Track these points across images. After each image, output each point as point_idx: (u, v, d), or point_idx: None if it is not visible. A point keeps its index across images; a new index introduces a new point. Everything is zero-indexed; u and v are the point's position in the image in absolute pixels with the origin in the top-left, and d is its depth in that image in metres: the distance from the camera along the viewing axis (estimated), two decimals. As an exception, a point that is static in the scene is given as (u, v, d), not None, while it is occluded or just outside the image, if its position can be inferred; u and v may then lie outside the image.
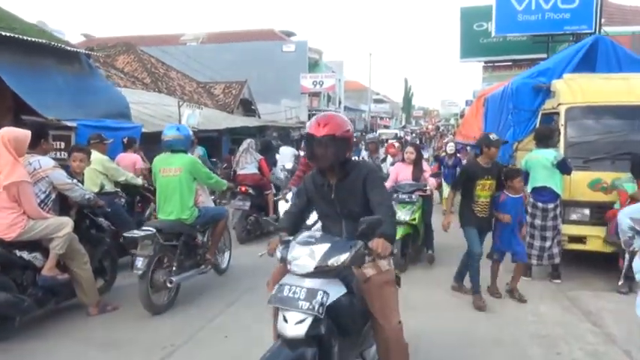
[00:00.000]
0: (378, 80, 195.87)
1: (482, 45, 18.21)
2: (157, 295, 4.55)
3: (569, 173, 5.32)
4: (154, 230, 4.43)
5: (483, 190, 4.79)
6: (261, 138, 17.47)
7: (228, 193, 7.99)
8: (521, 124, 7.19)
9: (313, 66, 33.24)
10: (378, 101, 61.91)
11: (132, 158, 7.01)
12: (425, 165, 6.41)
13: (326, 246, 2.35)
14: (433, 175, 6.74)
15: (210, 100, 25.66)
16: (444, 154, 15.56)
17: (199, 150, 9.44)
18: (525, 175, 5.59)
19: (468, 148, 13.30)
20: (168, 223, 4.66)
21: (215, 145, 16.22)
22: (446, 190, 9.58)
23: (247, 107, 27.75)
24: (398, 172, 6.23)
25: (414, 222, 5.86)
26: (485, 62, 19.20)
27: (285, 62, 30.74)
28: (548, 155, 5.28)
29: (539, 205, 5.33)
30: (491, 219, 4.95)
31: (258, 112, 28.24)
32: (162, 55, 26.83)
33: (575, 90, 6.13)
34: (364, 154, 13.88)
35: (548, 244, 5.34)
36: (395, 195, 5.91)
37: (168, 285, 4.57)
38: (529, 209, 5.43)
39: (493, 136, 4.92)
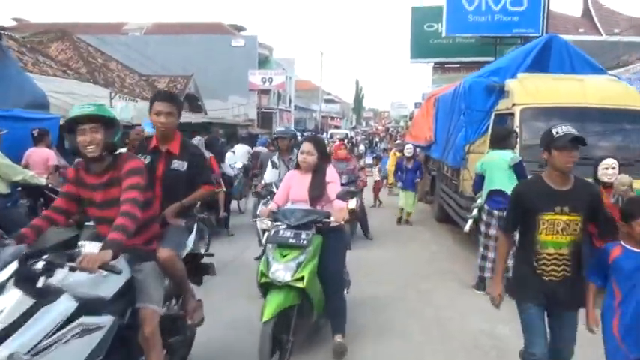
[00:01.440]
0: (329, 80, 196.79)
1: (433, 46, 18.14)
2: None
3: (524, 178, 4.96)
4: None
5: (554, 232, 2.67)
6: (208, 135, 16.59)
7: None
8: (473, 124, 6.84)
9: (263, 62, 32.37)
10: (329, 101, 61.80)
11: (44, 154, 6.18)
12: (332, 174, 3.78)
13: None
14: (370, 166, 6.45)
15: (153, 93, 24.32)
16: (399, 155, 15.33)
17: None
18: (480, 180, 5.22)
19: (418, 149, 13.07)
20: None
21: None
22: (403, 199, 9.13)
23: (193, 103, 26.73)
24: (289, 186, 3.83)
25: (299, 284, 3.29)
26: (435, 64, 19.17)
27: (234, 57, 29.75)
28: (505, 157, 4.90)
29: (495, 212, 4.94)
30: (574, 286, 2.72)
31: (204, 108, 27.26)
32: (103, 44, 25.26)
33: (530, 90, 5.81)
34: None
35: None
36: (272, 232, 3.58)
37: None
38: (484, 217, 5.04)
39: (567, 130, 2.72)
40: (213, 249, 6.12)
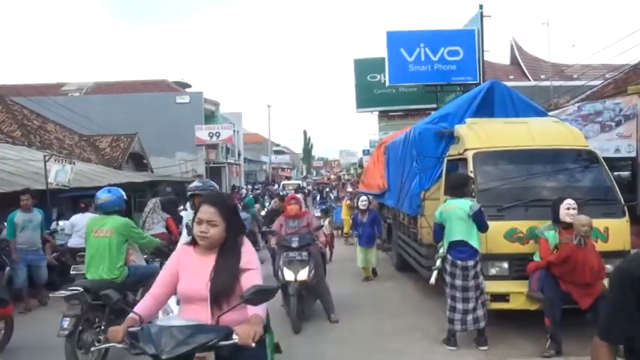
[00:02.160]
0: (277, 132, 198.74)
1: (377, 95, 18.64)
2: (85, 356, 4.37)
3: (484, 230, 4.86)
4: (82, 289, 4.43)
5: None
6: (156, 194, 15.91)
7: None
8: (427, 171, 6.78)
9: (210, 118, 32.16)
10: (278, 152, 62.24)
11: None
12: (250, 254, 2.48)
13: None
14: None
15: (95, 154, 23.57)
16: (349, 202, 15.26)
17: (37, 213, 7.60)
18: (440, 229, 5.05)
19: (371, 197, 13.02)
20: (97, 282, 4.62)
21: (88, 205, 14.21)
22: (362, 255, 8.42)
23: (138, 161, 25.97)
24: (176, 273, 2.45)
25: None
26: (380, 112, 19.65)
27: (179, 114, 29.36)
28: (463, 205, 4.77)
29: (459, 263, 4.75)
30: None
31: (150, 167, 26.47)
32: (41, 106, 24.27)
33: (480, 135, 5.83)
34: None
35: (471, 305, 4.73)
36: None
37: (96, 345, 4.03)
38: (448, 268, 4.84)
39: None
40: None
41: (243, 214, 12.81)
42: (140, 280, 5.17)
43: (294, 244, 5.96)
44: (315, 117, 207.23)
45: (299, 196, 8.20)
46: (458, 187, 4.94)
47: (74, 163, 11.17)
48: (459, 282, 4.75)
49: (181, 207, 10.89)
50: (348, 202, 14.81)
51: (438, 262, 5.03)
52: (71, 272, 6.65)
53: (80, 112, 27.34)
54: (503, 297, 4.99)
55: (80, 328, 4.34)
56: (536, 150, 5.59)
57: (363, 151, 37.02)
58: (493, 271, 5.11)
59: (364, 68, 18.86)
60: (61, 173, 10.85)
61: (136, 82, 33.58)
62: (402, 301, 6.96)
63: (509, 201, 5.26)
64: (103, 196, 4.97)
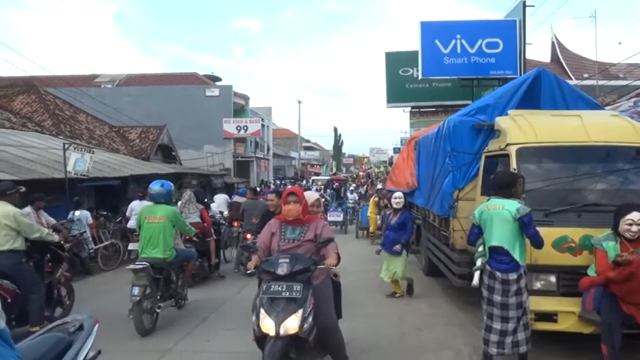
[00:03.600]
0: (308, 128, 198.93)
1: (409, 90, 17.84)
2: (148, 316, 5.39)
3: (535, 241, 4.11)
4: (148, 264, 5.40)
5: None
6: (181, 186, 15.71)
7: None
8: (461, 168, 6.09)
9: (239, 112, 31.95)
10: (308, 148, 61.85)
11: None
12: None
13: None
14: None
15: (124, 145, 23.69)
16: (376, 200, 14.49)
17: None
18: (476, 232, 4.37)
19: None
20: (154, 260, 5.52)
21: (116, 194, 14.07)
22: (384, 264, 7.09)
23: (167, 153, 26.03)
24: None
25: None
26: (412, 108, 18.84)
27: (208, 107, 29.30)
28: (510, 206, 4.07)
29: (498, 275, 4.07)
30: None
31: (178, 159, 26.47)
32: (73, 96, 24.63)
33: (525, 128, 5.10)
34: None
35: (511, 326, 4.03)
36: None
37: (157, 311, 5.51)
38: (485, 279, 4.16)
39: None
40: (208, 292, 7.69)
41: None
42: (183, 261, 6.12)
43: (282, 270, 3.58)
44: (346, 114, 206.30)
45: (318, 194, 6.76)
46: (505, 186, 4.22)
47: (93, 152, 10.91)
48: (497, 297, 4.06)
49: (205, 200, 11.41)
50: (376, 199, 14.13)
51: (479, 262, 4.31)
52: (129, 248, 9.16)
53: (112, 103, 27.75)
54: (549, 316, 4.28)
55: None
56: (591, 146, 4.83)
57: (394, 149, 36.15)
58: (538, 285, 4.40)
59: (396, 62, 18.08)
60: (80, 162, 10.61)
61: (167, 75, 33.72)
62: (430, 312, 6.29)
63: (559, 205, 4.53)
64: (155, 188, 5.86)
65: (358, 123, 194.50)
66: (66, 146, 10.65)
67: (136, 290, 5.15)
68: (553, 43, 23.89)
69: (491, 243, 4.14)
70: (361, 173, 44.23)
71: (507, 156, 5.01)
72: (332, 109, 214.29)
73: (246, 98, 33.93)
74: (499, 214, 4.08)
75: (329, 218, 15.42)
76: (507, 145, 5.06)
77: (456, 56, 13.20)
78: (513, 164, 4.80)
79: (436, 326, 5.66)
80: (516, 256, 4.07)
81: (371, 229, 13.98)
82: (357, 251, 11.59)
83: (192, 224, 7.48)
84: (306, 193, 4.26)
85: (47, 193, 10.95)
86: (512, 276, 4.05)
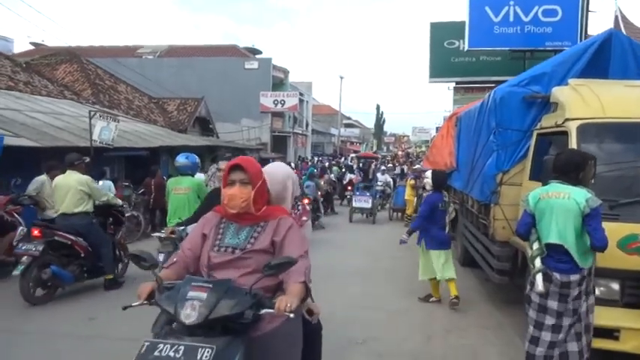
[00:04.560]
0: (349, 105, 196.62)
1: (454, 64, 16.60)
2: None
3: (599, 244, 3.19)
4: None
5: None
6: (215, 159, 15.47)
7: None
8: (507, 148, 5.22)
9: (278, 86, 31.33)
10: (348, 126, 60.90)
11: None
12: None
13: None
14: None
15: (162, 116, 23.76)
16: (412, 182, 13.64)
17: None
18: (529, 223, 3.52)
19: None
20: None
21: (146, 165, 13.85)
22: (421, 260, 5.84)
23: (204, 126, 25.96)
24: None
25: None
26: (457, 83, 17.59)
27: (247, 80, 28.83)
28: (578, 196, 3.23)
29: (556, 276, 3.27)
30: None
31: (216, 132, 26.36)
32: (116, 67, 24.87)
33: (590, 100, 4.20)
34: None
35: (562, 336, 3.26)
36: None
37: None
38: (538, 282, 3.36)
39: None
40: None
41: (307, 183, 12.38)
42: None
43: (188, 316, 1.91)
44: (389, 92, 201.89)
45: (289, 168, 2.93)
46: (572, 169, 3.34)
47: (118, 121, 10.58)
48: (553, 303, 3.27)
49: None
50: (412, 181, 13.28)
51: (538, 262, 3.41)
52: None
53: (152, 74, 27.86)
54: (609, 332, 3.47)
55: None
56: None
57: (437, 128, 34.67)
58: (597, 293, 3.57)
59: (441, 33, 16.81)
60: (105, 131, 10.31)
61: (207, 47, 33.42)
62: (463, 311, 5.52)
63: (628, 195, 3.68)
64: (181, 161, 5.95)
65: (401, 102, 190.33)
66: (91, 114, 10.37)
67: (162, 256, 5.18)
68: (616, 16, 21.71)
69: (548, 239, 3.33)
70: (400, 152, 42.91)
71: (565, 134, 4.14)
72: (375, 88, 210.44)
73: (285, 72, 33.23)
74: (563, 205, 3.25)
75: (354, 204, 13.10)
76: (566, 120, 4.18)
77: (508, 25, 11.95)
78: (573, 143, 3.94)
79: (468, 329, 4.92)
80: (578, 257, 3.26)
81: (408, 211, 13.20)
82: (387, 234, 10.90)
83: None
84: (269, 167, 2.63)
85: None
86: (574, 277, 3.25)
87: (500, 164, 5.28)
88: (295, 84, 35.01)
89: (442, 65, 16.96)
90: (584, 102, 4.22)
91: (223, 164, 8.89)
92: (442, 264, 5.61)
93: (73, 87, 20.25)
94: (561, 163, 3.41)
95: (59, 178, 5.92)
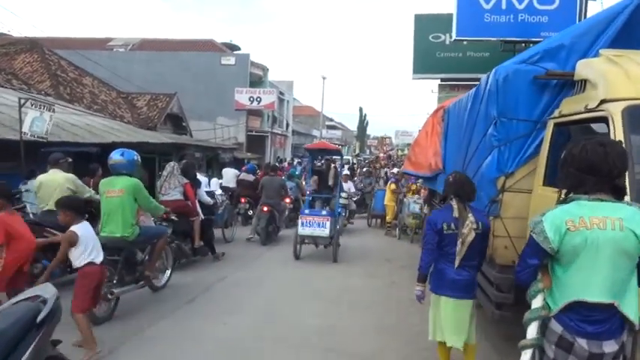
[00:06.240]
0: (332, 107, 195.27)
1: (439, 60, 15.45)
2: (97, 306, 4.67)
3: None
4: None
5: None
6: (182, 158, 14.26)
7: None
8: (512, 143, 4.00)
9: (257, 83, 29.95)
10: (331, 127, 60.07)
11: None
12: None
13: None
14: None
15: (130, 112, 22.28)
16: (393, 187, 12.37)
17: None
18: (532, 266, 2.25)
19: (420, 181, 10.24)
20: (110, 239, 4.99)
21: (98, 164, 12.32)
22: (441, 312, 3.56)
23: (177, 124, 24.54)
24: None
25: None
26: (442, 80, 16.45)
27: (223, 76, 27.47)
28: (633, 220, 2.00)
29: (582, 344, 2.03)
30: None
31: (189, 130, 24.95)
32: (85, 61, 23.40)
33: (637, 75, 2.98)
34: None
35: None
36: None
37: (109, 297, 4.90)
38: (550, 348, 2.10)
39: None
40: (193, 274, 7.03)
41: (288, 184, 11.41)
42: (149, 240, 5.56)
43: None
44: (373, 94, 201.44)
45: None
46: (615, 170, 2.06)
47: (54, 111, 9.09)
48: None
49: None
50: (393, 185, 12.08)
51: (538, 302, 2.23)
52: None
53: (123, 68, 26.39)
54: None
55: None
56: None
57: (419, 131, 33.55)
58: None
59: (426, 26, 15.65)
60: (37, 122, 8.82)
61: (183, 41, 31.91)
62: (455, 352, 4.25)
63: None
64: (115, 158, 5.22)
65: (385, 105, 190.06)
66: (21, 102, 8.87)
67: None
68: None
69: (585, 296, 2.06)
70: (381, 155, 41.81)
71: (603, 120, 2.91)
72: (358, 89, 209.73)
73: (264, 69, 31.86)
74: (614, 242, 1.99)
75: (301, 230, 8.06)
76: (603, 102, 2.95)
77: (500, 13, 10.80)
78: (619, 133, 2.71)
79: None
80: (630, 312, 2.02)
81: (388, 218, 12.02)
82: (366, 245, 9.70)
83: (170, 202, 7.10)
84: None
85: (8, 157, 9.32)
86: (610, 346, 2.03)
87: (502, 165, 4.05)
88: (276, 82, 33.68)
89: (427, 60, 15.81)
90: (628, 77, 2.99)
91: (170, 164, 7.81)
92: (457, 320, 3.52)
93: (31, 78, 18.81)
94: (599, 158, 2.06)
95: (44, 176, 6.12)
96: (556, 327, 2.10)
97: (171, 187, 7.45)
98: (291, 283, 6.79)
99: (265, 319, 5.19)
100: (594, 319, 2.05)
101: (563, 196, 2.17)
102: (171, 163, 7.79)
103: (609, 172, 2.05)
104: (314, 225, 7.91)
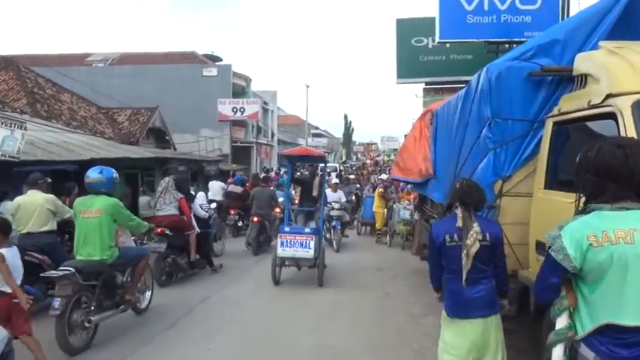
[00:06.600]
0: (317, 116, 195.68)
1: (422, 63, 15.32)
2: (74, 336, 4.54)
3: None
4: (73, 270, 4.52)
5: None
6: (166, 172, 13.96)
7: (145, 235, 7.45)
8: (508, 145, 3.77)
9: (240, 94, 29.64)
10: (316, 135, 60.02)
11: None
12: None
13: None
14: None
15: (111, 128, 21.79)
16: (381, 191, 12.15)
17: None
18: (553, 285, 1.97)
19: (409, 186, 10.02)
20: (87, 262, 4.75)
21: (77, 182, 11.90)
22: (455, 339, 3.06)
23: (160, 137, 24.07)
24: None
25: None
26: (426, 84, 16.34)
27: (206, 88, 27.11)
28: None
29: None
30: None
31: (173, 143, 24.52)
32: (64, 77, 22.93)
33: (643, 66, 2.76)
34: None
35: None
36: None
37: (86, 325, 4.63)
38: None
39: None
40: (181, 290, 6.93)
41: (278, 193, 11.25)
42: (130, 262, 5.34)
43: None
44: (357, 101, 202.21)
45: None
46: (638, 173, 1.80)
47: (25, 129, 8.70)
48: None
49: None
50: (381, 190, 11.86)
51: (559, 352, 1.97)
52: None
53: (103, 83, 25.93)
54: None
55: (70, 308, 4.43)
56: None
57: (405, 136, 33.55)
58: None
59: (408, 30, 15.54)
60: (8, 141, 8.40)
61: (163, 54, 31.53)
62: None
63: None
64: (92, 176, 4.95)
65: (370, 111, 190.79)
66: (-10, 120, 8.47)
67: (57, 302, 4.32)
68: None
69: (617, 319, 1.79)
70: (368, 161, 41.66)
71: (609, 117, 2.67)
72: (342, 96, 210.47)
73: (247, 79, 31.59)
74: None
75: (280, 251, 6.98)
76: (609, 97, 2.73)
77: (483, 14, 10.70)
78: (630, 130, 2.47)
79: None
80: None
81: (377, 225, 11.78)
82: (356, 253, 9.41)
83: (165, 217, 7.25)
84: None
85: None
86: None
87: (498, 168, 3.82)
88: (259, 92, 33.42)
89: (410, 64, 15.68)
90: (633, 69, 2.77)
91: (165, 180, 7.83)
92: (492, 341, 3.05)
93: (6, 96, 18.30)
94: (618, 162, 1.81)
95: (22, 198, 5.84)
96: (587, 353, 1.83)
97: (167, 202, 7.44)
98: (279, 300, 6.48)
99: (252, 341, 4.87)
100: (629, 341, 1.79)
101: (581, 205, 1.91)
102: (166, 179, 7.83)
103: (631, 176, 1.80)
104: (295, 245, 6.83)
